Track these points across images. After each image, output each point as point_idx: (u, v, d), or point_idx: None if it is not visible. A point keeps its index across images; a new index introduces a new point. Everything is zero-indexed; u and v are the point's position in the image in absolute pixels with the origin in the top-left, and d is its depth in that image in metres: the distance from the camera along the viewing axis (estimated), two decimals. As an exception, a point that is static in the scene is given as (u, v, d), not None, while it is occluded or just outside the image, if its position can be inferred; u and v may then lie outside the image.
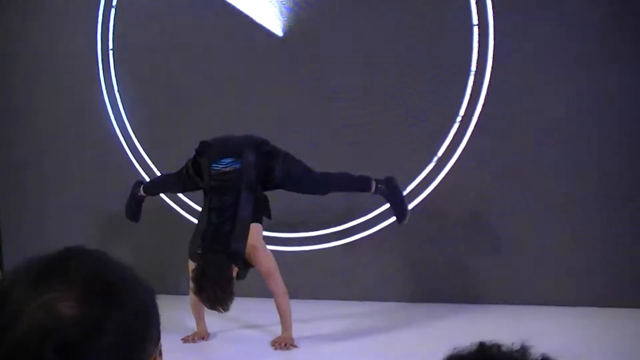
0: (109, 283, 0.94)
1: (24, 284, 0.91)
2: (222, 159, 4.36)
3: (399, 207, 4.56)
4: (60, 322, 0.88)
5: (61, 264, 0.94)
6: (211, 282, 3.99)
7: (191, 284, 4.12)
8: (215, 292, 3.98)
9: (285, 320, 4.33)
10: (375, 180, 4.54)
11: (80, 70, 5.73)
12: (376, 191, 4.54)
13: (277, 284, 4.29)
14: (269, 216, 4.50)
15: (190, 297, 4.39)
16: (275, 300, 4.31)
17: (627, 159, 4.90)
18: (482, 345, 0.95)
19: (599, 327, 4.53)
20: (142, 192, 4.91)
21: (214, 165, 4.37)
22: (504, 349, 0.94)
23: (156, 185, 5.06)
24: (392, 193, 4.54)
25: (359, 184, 4.56)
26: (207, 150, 4.45)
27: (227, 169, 4.34)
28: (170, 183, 4.88)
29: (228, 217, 4.24)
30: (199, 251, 4.18)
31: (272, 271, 4.29)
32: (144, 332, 0.96)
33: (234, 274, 4.13)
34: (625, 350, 4.10)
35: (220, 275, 4.02)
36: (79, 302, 0.89)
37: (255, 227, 4.31)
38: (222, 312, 4.08)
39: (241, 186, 4.31)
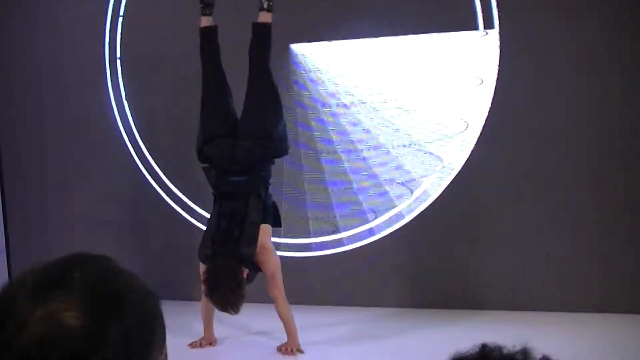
0: (113, 292, 0.94)
1: (28, 294, 0.91)
2: (231, 177, 4.41)
3: None
4: (64, 332, 0.88)
5: (64, 273, 0.94)
6: (222, 284, 4.05)
7: (202, 287, 4.17)
8: (226, 294, 4.04)
9: (288, 326, 4.37)
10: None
11: (88, 79, 5.76)
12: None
13: (279, 288, 4.32)
14: (278, 224, 4.54)
15: (202, 302, 4.43)
16: (275, 306, 4.35)
17: (628, 167, 4.93)
18: (484, 347, 0.97)
19: (599, 333, 4.56)
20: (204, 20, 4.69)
21: (223, 176, 4.43)
22: (505, 351, 0.96)
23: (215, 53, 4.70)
24: None
25: (264, 32, 4.53)
26: (212, 169, 4.51)
27: (237, 179, 4.39)
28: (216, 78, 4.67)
29: (237, 222, 4.28)
30: (209, 252, 4.23)
31: (276, 275, 4.32)
32: (149, 339, 0.96)
33: (244, 275, 4.17)
34: (625, 356, 4.13)
35: (231, 278, 4.07)
36: (83, 312, 0.90)
37: (265, 228, 4.36)
38: (232, 314, 4.13)
39: (250, 193, 4.36)
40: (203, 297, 4.31)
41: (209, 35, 4.65)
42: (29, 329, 0.88)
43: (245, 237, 4.25)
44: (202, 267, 4.26)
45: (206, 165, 4.56)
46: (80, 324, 0.89)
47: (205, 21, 4.67)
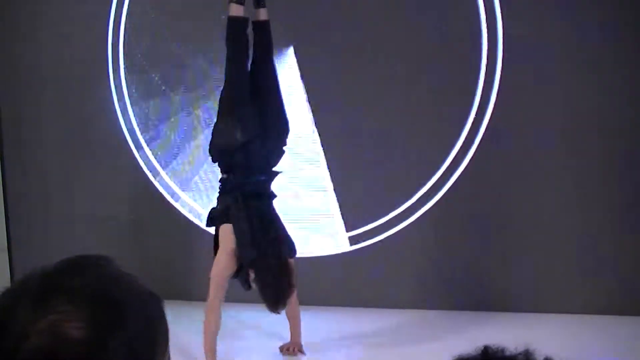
0: (114, 300, 0.93)
1: (28, 303, 0.90)
2: (255, 177, 4.35)
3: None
4: (67, 343, 0.88)
5: (65, 280, 0.93)
6: (282, 282, 4.02)
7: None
8: (284, 291, 4.01)
9: (294, 322, 4.39)
10: None
11: (90, 78, 5.76)
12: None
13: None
14: None
15: (208, 327, 4.17)
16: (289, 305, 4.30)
17: (633, 165, 4.91)
18: (486, 348, 0.97)
19: (603, 335, 4.55)
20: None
21: (248, 176, 4.34)
22: (508, 352, 0.96)
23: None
24: None
25: (265, 28, 4.45)
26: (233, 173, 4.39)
27: (260, 179, 4.35)
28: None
29: (267, 223, 4.24)
30: (254, 255, 4.10)
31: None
32: (152, 344, 0.96)
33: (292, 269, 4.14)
34: (629, 359, 4.12)
35: (288, 274, 4.04)
36: (84, 322, 0.89)
37: None
38: (278, 313, 4.10)
39: (270, 192, 4.35)
40: (212, 323, 4.15)
41: (238, 27, 4.26)
42: (30, 340, 0.88)
43: (280, 236, 4.23)
44: (223, 266, 4.14)
45: (224, 176, 4.35)
46: (82, 335, 0.88)
47: (235, 10, 4.25)
